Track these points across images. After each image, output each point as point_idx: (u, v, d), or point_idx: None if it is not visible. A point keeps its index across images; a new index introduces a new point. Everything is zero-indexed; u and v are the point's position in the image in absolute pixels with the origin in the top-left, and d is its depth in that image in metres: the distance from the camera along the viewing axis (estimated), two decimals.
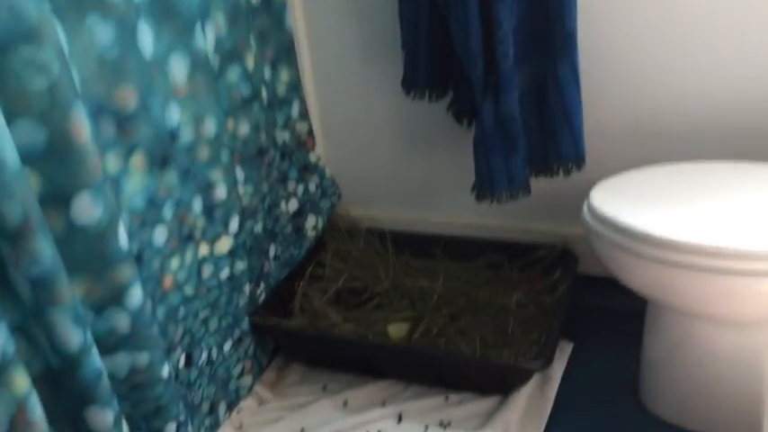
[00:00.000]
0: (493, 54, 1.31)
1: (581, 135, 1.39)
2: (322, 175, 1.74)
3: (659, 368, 1.31)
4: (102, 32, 1.02)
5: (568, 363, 1.47)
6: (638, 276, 1.19)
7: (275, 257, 1.60)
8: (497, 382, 1.37)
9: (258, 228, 1.49)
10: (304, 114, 1.65)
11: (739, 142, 1.41)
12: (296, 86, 1.61)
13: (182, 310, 1.26)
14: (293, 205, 1.66)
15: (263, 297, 1.54)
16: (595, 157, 1.46)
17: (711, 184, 1.23)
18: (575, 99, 1.35)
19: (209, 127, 1.28)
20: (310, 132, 1.68)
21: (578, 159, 1.40)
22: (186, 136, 1.24)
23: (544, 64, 1.34)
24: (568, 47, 1.31)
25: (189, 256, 1.27)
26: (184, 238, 1.26)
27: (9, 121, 0.87)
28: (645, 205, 1.18)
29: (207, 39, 1.27)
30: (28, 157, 0.90)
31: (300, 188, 1.68)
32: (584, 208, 1.24)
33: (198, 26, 1.22)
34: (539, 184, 1.49)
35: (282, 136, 1.60)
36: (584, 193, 1.25)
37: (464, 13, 1.28)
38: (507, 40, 1.29)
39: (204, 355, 1.34)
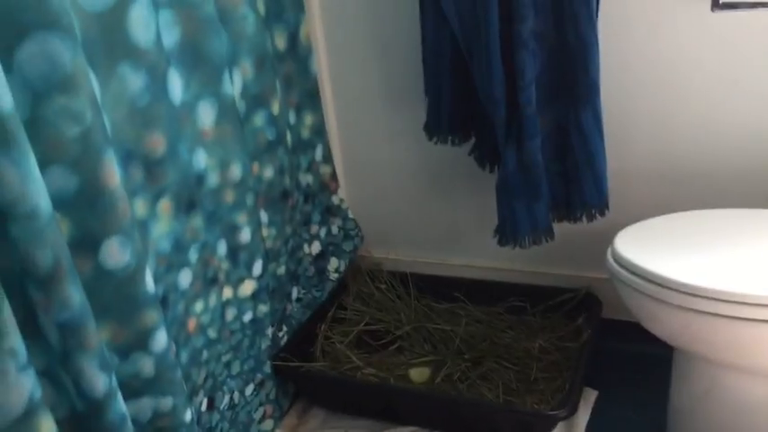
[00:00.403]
0: (515, 101, 1.32)
1: (604, 182, 1.39)
2: (345, 217, 1.75)
3: (686, 418, 1.29)
4: (133, 80, 1.04)
5: (593, 411, 1.44)
6: (663, 323, 1.18)
7: (298, 300, 1.60)
8: (521, 430, 1.35)
9: (281, 270, 1.50)
10: (327, 157, 1.67)
11: (764, 189, 1.40)
12: (320, 130, 1.63)
13: (205, 354, 1.26)
14: (316, 248, 1.66)
15: (285, 340, 1.53)
16: (619, 203, 1.45)
17: (736, 230, 1.22)
18: (598, 146, 1.35)
19: (235, 171, 1.29)
20: (333, 175, 1.70)
21: (601, 206, 1.40)
22: (212, 180, 1.25)
23: (567, 111, 1.34)
24: (591, 95, 1.31)
25: (213, 298, 1.28)
26: (209, 281, 1.26)
27: (42, 168, 0.89)
28: (669, 252, 1.17)
29: (234, 84, 1.29)
30: (59, 203, 0.92)
31: (323, 231, 1.69)
32: (609, 254, 1.24)
33: (226, 72, 1.25)
34: (561, 228, 1.48)
35: (306, 179, 1.61)
36: (608, 237, 1.24)
37: (487, 60, 1.30)
38: (530, 87, 1.30)
39: (226, 399, 1.33)
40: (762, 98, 1.35)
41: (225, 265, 1.30)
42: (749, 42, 1.32)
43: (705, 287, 1.09)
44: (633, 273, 1.17)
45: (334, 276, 1.71)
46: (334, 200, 1.71)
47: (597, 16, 1.28)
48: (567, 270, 1.65)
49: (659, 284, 1.13)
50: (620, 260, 1.20)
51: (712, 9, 1.30)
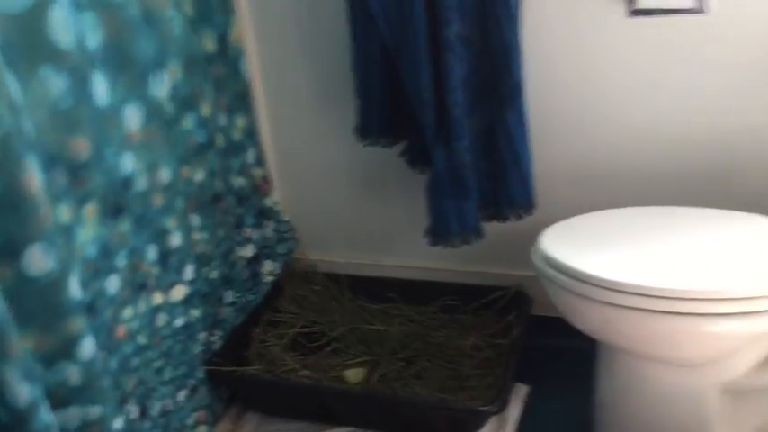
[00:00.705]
0: (443, 103, 1.35)
1: (531, 181, 1.43)
2: (279, 219, 1.74)
3: (611, 409, 1.33)
4: (55, 83, 1.02)
5: (524, 405, 1.48)
6: (585, 318, 1.22)
7: (231, 304, 1.59)
8: (454, 426, 1.38)
9: (213, 274, 1.49)
10: (260, 160, 1.66)
11: (682, 187, 1.46)
12: (251, 132, 1.63)
13: (135, 361, 1.25)
14: (249, 251, 1.66)
15: (218, 345, 1.52)
16: (546, 202, 1.49)
17: (655, 227, 1.27)
18: (523, 146, 1.39)
19: (164, 174, 1.28)
20: (266, 178, 1.69)
21: (528, 205, 1.44)
22: (140, 184, 1.24)
23: (493, 112, 1.38)
24: (516, 96, 1.35)
25: (143, 304, 1.26)
26: (138, 287, 1.25)
27: None
28: (591, 248, 1.22)
29: (162, 87, 1.28)
30: None
31: (257, 234, 1.68)
32: (533, 252, 1.27)
33: (153, 75, 1.23)
34: (492, 228, 1.52)
35: (238, 182, 1.60)
36: (537, 236, 1.28)
37: (415, 63, 1.32)
38: (457, 90, 1.33)
39: (158, 406, 1.32)
40: (679, 100, 1.41)
41: (155, 270, 1.29)
42: (664, 47, 1.37)
43: (624, 282, 1.13)
44: (556, 269, 1.21)
45: (268, 279, 1.71)
46: (268, 202, 1.71)
47: (520, 20, 1.32)
48: (498, 268, 1.68)
49: (581, 280, 1.17)
50: (544, 258, 1.24)
51: (628, 15, 1.35)
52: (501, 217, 1.47)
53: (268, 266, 1.71)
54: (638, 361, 1.25)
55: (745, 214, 1.26)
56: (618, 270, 1.15)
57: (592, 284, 1.16)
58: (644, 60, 1.39)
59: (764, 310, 1.09)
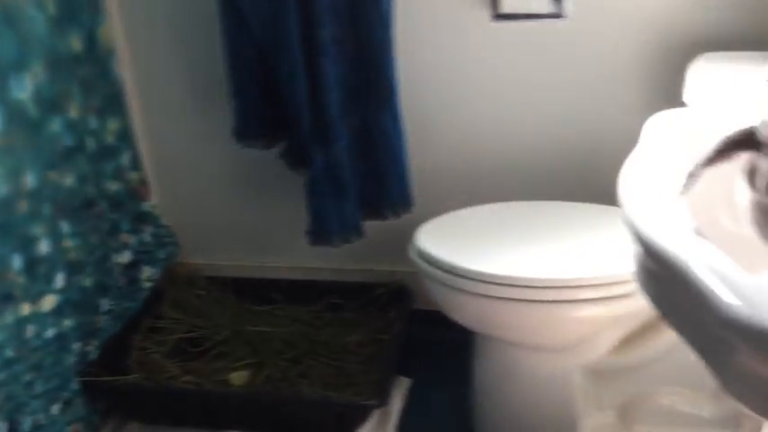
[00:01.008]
0: (320, 104, 1.36)
1: (408, 179, 1.46)
2: (157, 224, 1.70)
3: (488, 395, 1.39)
4: None
5: (407, 398, 1.52)
6: (462, 311, 1.27)
7: (108, 312, 1.54)
8: (339, 423, 1.40)
9: (87, 282, 1.44)
10: (136, 163, 1.62)
11: (549, 181, 1.54)
12: (125, 135, 1.58)
13: (2, 375, 1.19)
14: (126, 257, 1.61)
15: (95, 355, 1.47)
16: (425, 199, 1.54)
17: (524, 221, 1.34)
18: (399, 146, 1.42)
19: (29, 180, 1.23)
20: (143, 182, 1.65)
21: (406, 203, 1.48)
22: (2, 190, 1.18)
23: (368, 113, 1.40)
24: (390, 97, 1.39)
25: (9, 316, 1.21)
26: (3, 298, 1.19)
27: None
28: (464, 243, 1.27)
29: (24, 88, 1.23)
30: None
31: (134, 239, 1.64)
32: (410, 248, 1.31)
33: (14, 76, 1.18)
34: (373, 226, 1.54)
35: (112, 186, 1.56)
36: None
37: (289, 65, 1.33)
38: (333, 91, 1.35)
39: (29, 422, 1.26)
40: (542, 99, 1.49)
41: (21, 280, 1.23)
42: (527, 49, 1.45)
43: (495, 274, 1.19)
44: (432, 264, 1.25)
45: (147, 285, 1.66)
46: (146, 207, 1.67)
47: (392, 23, 1.35)
48: (381, 265, 1.72)
49: (455, 274, 1.22)
50: (419, 253, 1.28)
51: (492, 19, 1.42)
52: (380, 216, 1.50)
53: (147, 272, 1.66)
54: (510, 348, 1.31)
55: (604, 207, 1.35)
56: (489, 263, 1.20)
57: (465, 278, 1.21)
58: (508, 62, 1.46)
59: (621, 295, 1.17)
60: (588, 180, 1.51)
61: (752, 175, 0.59)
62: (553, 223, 1.31)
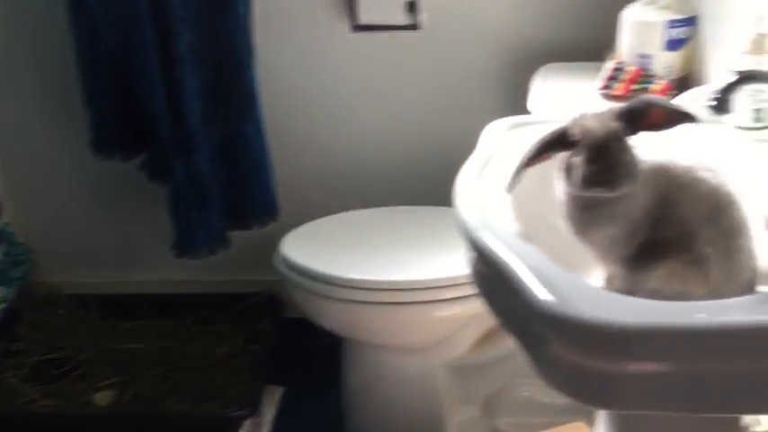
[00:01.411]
0: (179, 114, 1.34)
1: (272, 188, 1.47)
2: (11, 242, 1.62)
3: (358, 399, 1.42)
4: None
5: (280, 406, 1.52)
6: (329, 317, 1.30)
7: None
8: None
9: None
10: None
11: (412, 187, 1.58)
12: None
13: None
14: None
15: None
16: (291, 208, 1.54)
17: (387, 226, 1.38)
18: (262, 154, 1.43)
19: None
20: None
21: (272, 212, 1.48)
22: None
23: (230, 122, 1.40)
24: (251, 106, 1.39)
25: None
26: None
27: None
28: (328, 250, 1.29)
29: None
30: None
31: None
32: (275, 257, 1.32)
33: None
34: (241, 235, 1.53)
35: None
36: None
37: (146, 75, 1.31)
38: (192, 101, 1.34)
39: None
40: (399, 107, 1.53)
41: None
42: (385, 59, 1.49)
43: (359, 279, 1.22)
44: (297, 272, 1.26)
45: (1, 306, 1.58)
46: None
47: (250, 33, 1.36)
48: (251, 275, 1.70)
49: (320, 281, 1.24)
50: (285, 262, 1.29)
51: (351, 30, 1.45)
52: (246, 225, 1.49)
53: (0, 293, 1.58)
54: (377, 351, 1.34)
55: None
56: (352, 268, 1.23)
57: (330, 284, 1.23)
58: (367, 72, 1.50)
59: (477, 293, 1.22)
60: (443, 184, 1.56)
61: (568, 171, 0.64)
62: (412, 227, 1.36)
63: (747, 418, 0.75)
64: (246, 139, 1.41)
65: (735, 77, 0.65)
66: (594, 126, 0.64)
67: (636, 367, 0.53)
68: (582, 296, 0.55)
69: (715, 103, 0.67)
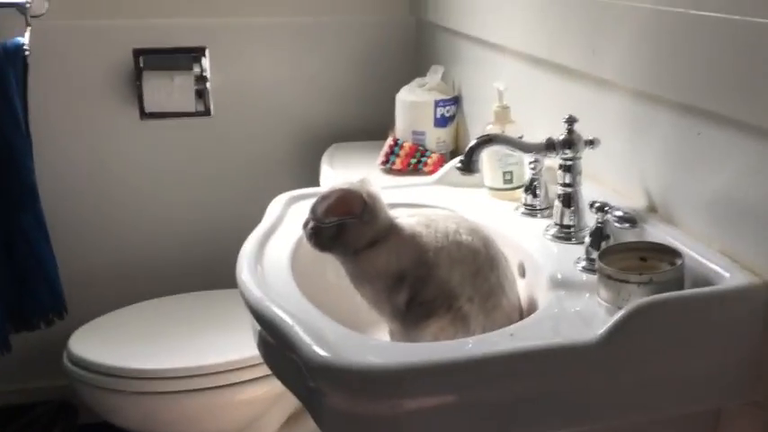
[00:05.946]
0: None
1: (57, 285, 1.39)
2: None
3: None
4: None
5: None
6: (123, 413, 1.22)
7: None
8: None
9: None
10: None
11: (205, 271, 1.55)
12: None
13: None
14: None
15: None
16: (80, 304, 1.44)
17: (179, 314, 1.35)
18: (44, 249, 1.35)
19: None
20: None
21: (58, 309, 1.39)
22: None
23: (8, 217, 1.32)
24: (30, 200, 1.33)
25: None
26: None
27: None
28: (120, 343, 1.24)
29: None
30: None
31: None
32: (64, 356, 1.24)
33: None
34: (27, 338, 1.41)
35: None
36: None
37: None
38: None
39: None
40: (191, 192, 1.53)
41: None
42: (176, 145, 1.50)
43: (154, 369, 1.18)
44: (87, 369, 1.19)
45: None
46: None
47: (26, 123, 1.31)
48: (40, 382, 1.56)
49: (113, 375, 1.18)
50: (73, 360, 1.21)
51: (141, 118, 1.45)
52: (30, 325, 1.39)
53: None
54: None
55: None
56: (146, 359, 1.19)
57: (124, 377, 1.18)
58: (158, 159, 1.50)
59: None
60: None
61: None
62: (207, 312, 1.35)
63: None
64: (26, 232, 1.33)
65: (475, 141, 0.73)
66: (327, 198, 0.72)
67: (411, 405, 0.56)
68: (352, 347, 0.57)
69: (460, 165, 0.75)
